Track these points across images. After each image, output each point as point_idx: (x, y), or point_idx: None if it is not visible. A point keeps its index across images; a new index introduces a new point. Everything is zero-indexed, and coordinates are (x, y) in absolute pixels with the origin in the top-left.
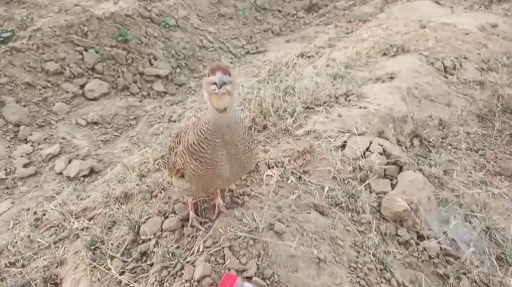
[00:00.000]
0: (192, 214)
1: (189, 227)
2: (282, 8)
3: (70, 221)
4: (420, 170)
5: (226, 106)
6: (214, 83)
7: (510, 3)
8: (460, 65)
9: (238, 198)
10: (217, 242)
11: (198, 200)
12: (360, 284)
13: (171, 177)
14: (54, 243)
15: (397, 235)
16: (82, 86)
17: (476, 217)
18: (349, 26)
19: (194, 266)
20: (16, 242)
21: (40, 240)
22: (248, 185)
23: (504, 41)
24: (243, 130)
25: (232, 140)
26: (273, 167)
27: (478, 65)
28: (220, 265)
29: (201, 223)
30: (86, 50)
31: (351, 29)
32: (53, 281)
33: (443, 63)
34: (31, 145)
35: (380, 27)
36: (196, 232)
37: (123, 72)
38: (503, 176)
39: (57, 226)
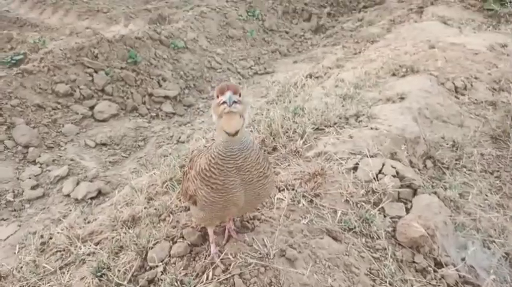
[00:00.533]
0: (213, 249)
1: (209, 264)
2: (289, 30)
3: (76, 246)
4: (435, 193)
5: (237, 129)
6: (224, 103)
7: None
8: (471, 85)
9: (249, 222)
10: (227, 269)
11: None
12: None
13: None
14: (60, 268)
15: (413, 261)
16: (91, 108)
17: (494, 242)
18: (356, 46)
19: None
20: (21, 267)
21: (46, 265)
22: (258, 209)
23: None
24: (257, 154)
25: (245, 166)
26: (283, 190)
27: (489, 85)
28: None
29: (222, 260)
30: (96, 72)
31: (358, 50)
32: None
33: (453, 83)
34: (39, 167)
35: (388, 47)
36: (205, 259)
37: (132, 93)
38: None
39: (64, 251)
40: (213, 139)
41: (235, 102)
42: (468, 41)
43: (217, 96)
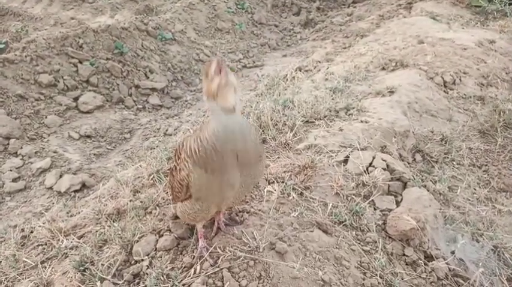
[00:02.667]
0: (201, 243)
1: (197, 258)
2: (279, 23)
3: (59, 240)
4: (424, 186)
5: (233, 104)
6: (217, 75)
7: (505, 20)
8: (460, 80)
9: (238, 215)
10: (215, 263)
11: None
12: None
13: (178, 202)
14: (41, 263)
15: (404, 254)
16: (76, 99)
17: (483, 235)
18: (346, 41)
19: None
20: (0, 262)
21: (26, 259)
22: (247, 202)
23: (502, 57)
24: (254, 135)
25: (245, 148)
26: (273, 182)
27: (478, 80)
28: None
29: (210, 254)
30: (80, 63)
31: (348, 44)
32: None
33: (442, 78)
34: (21, 159)
35: (377, 42)
36: (193, 252)
37: (118, 85)
38: (508, 193)
39: (45, 244)
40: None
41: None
42: (457, 36)
43: (206, 76)
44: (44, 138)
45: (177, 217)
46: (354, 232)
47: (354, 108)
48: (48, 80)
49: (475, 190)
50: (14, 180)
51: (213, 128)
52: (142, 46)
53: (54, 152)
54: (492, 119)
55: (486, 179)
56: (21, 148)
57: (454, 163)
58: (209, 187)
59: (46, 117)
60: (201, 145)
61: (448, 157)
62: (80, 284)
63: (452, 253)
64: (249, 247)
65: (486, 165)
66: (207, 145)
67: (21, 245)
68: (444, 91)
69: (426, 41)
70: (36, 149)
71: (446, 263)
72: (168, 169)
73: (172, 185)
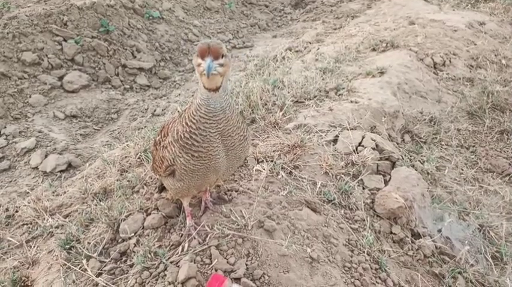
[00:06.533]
0: (189, 221)
1: (185, 236)
2: (269, 3)
3: (44, 218)
4: (413, 166)
5: (217, 86)
6: (203, 59)
7: (496, 2)
8: (450, 61)
9: (226, 194)
10: (204, 241)
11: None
12: (354, 285)
13: (159, 175)
14: (26, 242)
15: (391, 232)
16: (61, 78)
17: (469, 214)
18: (337, 22)
19: (178, 266)
20: None
21: (11, 239)
22: (236, 181)
23: (491, 39)
24: (237, 117)
25: (227, 130)
26: (262, 161)
27: (467, 61)
28: (207, 266)
29: (198, 232)
30: (65, 40)
31: (339, 25)
32: (23, 284)
33: (432, 59)
34: (5, 138)
35: (368, 23)
36: (181, 231)
37: (104, 64)
38: (494, 173)
39: (30, 224)
40: (191, 102)
41: (216, 66)
42: (447, 18)
43: (198, 55)
44: (29, 117)
45: (162, 189)
46: (342, 211)
47: (344, 88)
48: (32, 58)
49: (462, 170)
50: None
51: (197, 106)
52: (129, 24)
53: (39, 131)
54: (480, 101)
55: (473, 160)
56: (5, 127)
57: (442, 143)
58: (194, 171)
59: (30, 97)
60: (185, 128)
61: (436, 138)
62: (65, 263)
63: (439, 231)
64: (238, 225)
65: (474, 146)
66: (192, 125)
67: (6, 225)
68: (434, 72)
69: (417, 22)
70: (20, 129)
71: (433, 241)
72: (155, 142)
73: (154, 157)
